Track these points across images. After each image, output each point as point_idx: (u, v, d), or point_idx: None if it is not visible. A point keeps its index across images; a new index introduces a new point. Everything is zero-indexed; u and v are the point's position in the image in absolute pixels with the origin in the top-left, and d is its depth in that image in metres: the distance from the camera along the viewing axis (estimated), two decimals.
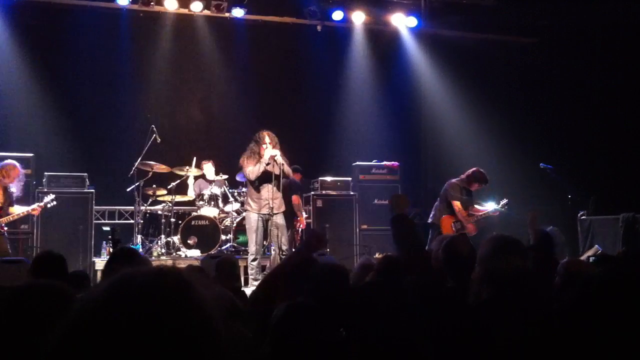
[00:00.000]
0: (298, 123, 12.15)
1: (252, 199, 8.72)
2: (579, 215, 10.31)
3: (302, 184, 10.87)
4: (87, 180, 10.23)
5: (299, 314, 2.49)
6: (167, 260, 9.74)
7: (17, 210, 8.48)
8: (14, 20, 11.08)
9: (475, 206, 9.54)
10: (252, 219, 8.63)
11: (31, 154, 10.08)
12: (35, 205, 8.76)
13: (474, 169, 9.38)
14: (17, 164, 8.49)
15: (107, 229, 9.89)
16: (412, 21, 12.67)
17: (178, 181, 10.43)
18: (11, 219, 8.42)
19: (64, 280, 4.29)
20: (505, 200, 9.57)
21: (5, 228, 8.36)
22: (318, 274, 3.28)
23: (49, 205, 9.06)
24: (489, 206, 10.57)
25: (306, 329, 2.39)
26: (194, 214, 10.30)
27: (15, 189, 8.48)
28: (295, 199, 9.99)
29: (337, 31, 12.81)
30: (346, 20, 12.44)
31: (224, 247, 10.12)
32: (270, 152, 8.42)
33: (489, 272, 2.96)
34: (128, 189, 10.30)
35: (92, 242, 10.04)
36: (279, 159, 8.47)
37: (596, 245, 9.23)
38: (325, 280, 3.29)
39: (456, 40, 12.75)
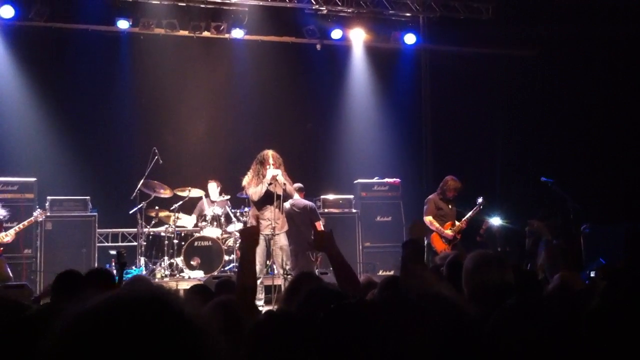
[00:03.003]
0: (299, 141, 12.16)
1: (255, 220, 8.71)
2: (582, 228, 10.29)
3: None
4: (89, 203, 10.28)
5: (278, 322, 2.45)
6: (169, 282, 9.74)
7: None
8: (15, 44, 11.17)
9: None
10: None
11: (33, 179, 10.14)
12: (25, 222, 8.86)
13: (446, 177, 9.80)
14: None
15: (114, 252, 9.91)
16: (411, 38, 12.73)
17: (181, 202, 10.44)
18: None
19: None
20: (480, 199, 9.76)
21: (1, 248, 8.40)
22: (313, 292, 3.19)
23: (39, 220, 9.14)
24: (494, 220, 10.64)
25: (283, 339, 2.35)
26: (197, 235, 10.29)
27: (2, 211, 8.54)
28: (318, 225, 9.98)
29: (337, 49, 12.87)
30: (345, 38, 12.52)
31: (227, 268, 10.11)
32: (271, 172, 8.42)
33: (472, 288, 2.98)
34: (131, 211, 10.33)
35: (96, 265, 10.04)
36: (281, 178, 8.46)
37: (600, 259, 9.20)
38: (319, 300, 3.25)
39: (455, 55, 12.79)
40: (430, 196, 9.92)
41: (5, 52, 11.14)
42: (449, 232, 9.53)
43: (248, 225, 5.66)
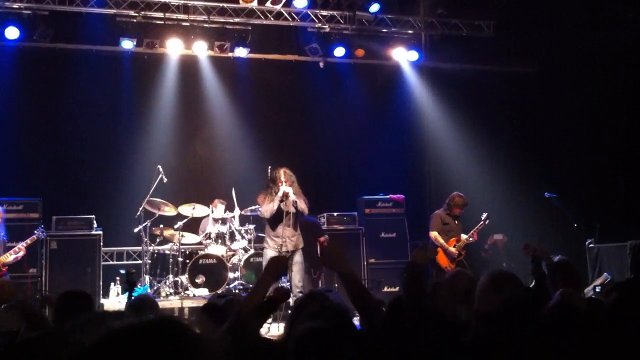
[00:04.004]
0: (302, 159, 12.17)
1: (269, 237, 8.75)
2: (586, 243, 10.28)
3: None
4: (94, 222, 10.30)
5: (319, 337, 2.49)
6: (174, 300, 9.74)
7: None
8: (19, 64, 11.22)
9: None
10: (269, 256, 8.60)
11: (38, 198, 10.16)
12: (28, 240, 8.91)
13: (452, 194, 9.84)
14: None
15: (124, 271, 9.92)
16: (413, 55, 12.78)
17: (185, 220, 10.46)
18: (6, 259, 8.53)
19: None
20: (485, 215, 9.83)
21: (5, 269, 8.43)
22: (318, 312, 3.14)
23: (40, 237, 9.18)
24: (499, 237, 10.64)
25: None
26: (202, 252, 10.30)
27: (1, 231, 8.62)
28: (322, 240, 9.98)
29: (339, 67, 12.91)
30: (348, 56, 12.57)
31: (231, 285, 10.10)
32: (282, 189, 8.44)
33: (486, 304, 3.02)
34: (135, 230, 10.34)
35: (101, 284, 10.06)
36: (292, 196, 8.48)
37: (605, 274, 9.19)
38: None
39: (457, 72, 12.84)
40: (436, 211, 9.97)
41: (10, 73, 11.19)
42: (453, 249, 9.53)
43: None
